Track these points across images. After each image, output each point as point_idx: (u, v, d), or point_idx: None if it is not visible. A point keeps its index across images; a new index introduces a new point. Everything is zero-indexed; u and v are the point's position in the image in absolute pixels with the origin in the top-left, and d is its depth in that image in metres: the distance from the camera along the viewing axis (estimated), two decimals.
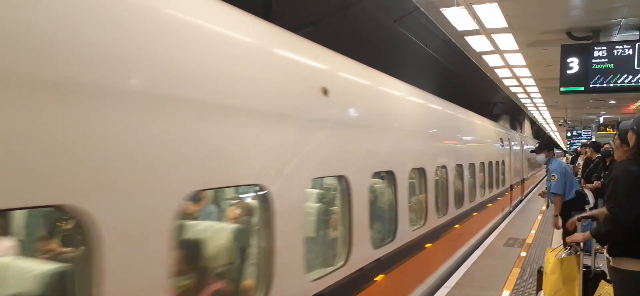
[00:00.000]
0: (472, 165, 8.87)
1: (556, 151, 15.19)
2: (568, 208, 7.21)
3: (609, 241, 3.34)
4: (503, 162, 13.06)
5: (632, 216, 3.14)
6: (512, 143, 15.59)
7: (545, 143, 8.44)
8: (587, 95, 16.66)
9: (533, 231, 11.58)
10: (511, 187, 14.88)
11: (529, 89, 17.31)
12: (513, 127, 24.81)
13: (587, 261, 4.32)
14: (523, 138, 21.23)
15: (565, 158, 27.03)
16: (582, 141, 28.85)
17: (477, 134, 10.18)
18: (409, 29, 10.24)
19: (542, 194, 8.32)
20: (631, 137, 3.35)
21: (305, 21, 11.31)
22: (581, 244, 3.91)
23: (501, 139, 13.21)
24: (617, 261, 3.32)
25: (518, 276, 7.48)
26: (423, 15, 8.34)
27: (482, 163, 9.94)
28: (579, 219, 4.36)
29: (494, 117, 20.08)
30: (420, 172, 6.01)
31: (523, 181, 18.62)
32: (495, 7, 7.39)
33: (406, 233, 5.21)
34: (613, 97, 18.85)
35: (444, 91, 12.20)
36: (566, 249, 3.98)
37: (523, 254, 9.06)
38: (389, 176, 4.85)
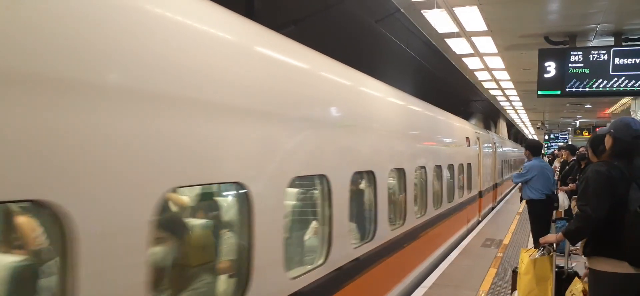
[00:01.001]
0: (421, 170, 7.02)
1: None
2: (538, 209, 7.36)
3: (580, 238, 3.41)
4: (470, 165, 11.29)
5: (601, 212, 3.22)
6: (483, 144, 13.75)
7: (529, 145, 8.62)
8: (564, 99, 16.98)
9: (510, 233, 11.75)
10: (480, 194, 13.16)
11: (507, 92, 17.57)
12: (487, 127, 23.00)
13: (561, 261, 4.40)
14: (496, 139, 18.62)
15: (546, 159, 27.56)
16: (559, 144, 29.44)
17: (433, 130, 8.35)
18: (391, 30, 10.30)
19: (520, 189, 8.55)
20: (608, 141, 3.44)
21: (287, 20, 11.31)
22: (554, 245, 3.98)
23: (467, 139, 11.23)
24: (592, 262, 3.39)
25: (494, 276, 7.58)
26: (404, 16, 8.37)
27: (439, 167, 8.08)
28: (553, 221, 4.44)
29: (465, 116, 18.25)
30: (323, 180, 3.89)
31: (496, 186, 16.99)
32: (475, 10, 7.47)
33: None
34: (589, 102, 19.24)
35: (421, 90, 12.31)
36: (539, 250, 4.05)
37: (500, 254, 9.18)
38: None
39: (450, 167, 9.20)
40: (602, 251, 3.29)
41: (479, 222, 12.84)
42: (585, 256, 3.48)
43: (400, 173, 6.10)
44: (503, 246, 10.00)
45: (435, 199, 7.92)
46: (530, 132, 42.80)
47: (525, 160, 8.60)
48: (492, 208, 16.02)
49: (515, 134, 43.35)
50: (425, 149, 7.54)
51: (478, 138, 12.85)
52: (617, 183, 3.24)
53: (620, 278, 3.22)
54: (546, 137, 35.92)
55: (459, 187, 10.23)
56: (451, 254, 9.09)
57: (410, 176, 6.27)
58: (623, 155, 3.35)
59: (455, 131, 10.22)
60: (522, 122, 32.43)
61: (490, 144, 16.02)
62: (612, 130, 3.47)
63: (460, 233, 10.42)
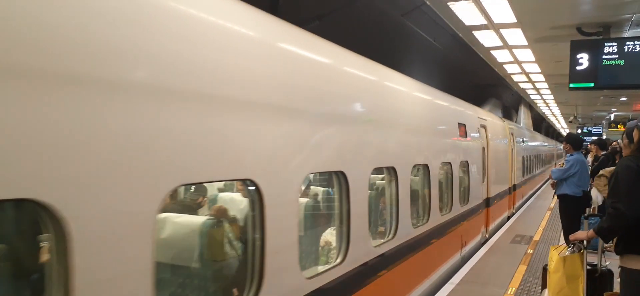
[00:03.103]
0: (391, 172, 4.89)
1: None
2: (572, 205, 7.16)
3: (613, 236, 3.31)
4: (472, 164, 8.34)
5: (634, 210, 3.11)
6: (491, 136, 10.36)
7: (570, 138, 8.37)
8: (598, 92, 16.47)
9: (541, 228, 11.50)
10: (488, 202, 9.98)
11: (538, 85, 17.12)
12: (507, 115, 18.16)
13: (594, 259, 4.27)
14: (515, 129, 15.12)
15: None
16: (593, 138, 28.58)
17: (415, 116, 5.93)
18: (417, 23, 10.18)
19: (553, 185, 8.26)
20: (636, 134, 3.34)
21: (311, 15, 11.31)
22: (585, 242, 3.87)
23: (462, 127, 7.83)
24: (623, 260, 3.29)
25: (524, 273, 7.44)
26: (431, 9, 8.25)
27: (416, 167, 5.74)
28: (585, 218, 4.31)
29: (477, 101, 13.95)
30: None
31: (513, 188, 13.71)
32: (503, 1, 7.29)
33: None
34: (624, 94, 18.62)
35: (442, 77, 11.99)
36: (569, 247, 3.93)
37: (530, 251, 9.00)
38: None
39: (446, 168, 6.83)
40: (634, 249, 3.18)
41: (485, 241, 9.81)
42: (617, 254, 3.37)
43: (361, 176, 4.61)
44: (533, 243, 9.81)
45: (414, 217, 5.60)
46: (562, 126, 41.71)
47: (565, 155, 8.37)
48: (508, 218, 12.99)
49: (547, 128, 42.30)
50: (392, 143, 4.94)
51: (484, 127, 9.69)
52: None
53: None
54: (579, 131, 34.91)
55: (458, 196, 7.25)
56: (479, 251, 8.95)
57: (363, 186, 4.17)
58: None
59: (447, 118, 7.09)
60: (554, 115, 31.61)
61: (503, 136, 12.51)
62: (639, 123, 3.38)
63: (447, 267, 7.11)
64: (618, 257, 3.44)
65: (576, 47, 8.27)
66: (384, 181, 5.29)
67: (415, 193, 6.03)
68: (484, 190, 9.73)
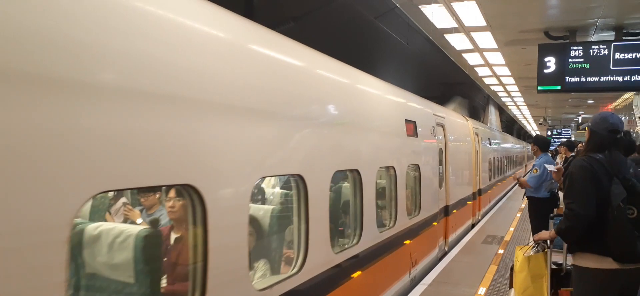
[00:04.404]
0: (298, 183, 3.67)
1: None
2: (541, 206, 7.30)
3: (571, 236, 3.37)
4: (425, 167, 7.13)
5: (590, 209, 3.18)
6: (451, 136, 9.42)
7: (537, 140, 8.50)
8: (566, 94, 16.88)
9: (511, 229, 11.71)
10: (447, 210, 8.90)
11: (509, 88, 17.48)
12: (474, 115, 17.37)
13: (559, 258, 4.36)
14: (478, 129, 13.58)
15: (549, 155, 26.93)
16: (562, 140, 29.32)
17: (340, 109, 4.57)
18: (391, 26, 10.27)
19: (515, 177, 8.40)
20: (586, 134, 3.44)
21: (286, 17, 11.29)
22: (548, 241, 3.94)
23: (412, 125, 6.62)
24: (575, 258, 3.36)
25: (495, 273, 7.55)
26: (404, 13, 8.32)
27: (341, 174, 4.87)
28: (551, 218, 4.40)
29: (443, 100, 13.89)
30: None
31: (478, 193, 12.72)
32: (473, 5, 7.41)
33: None
34: (591, 97, 19.16)
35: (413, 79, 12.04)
36: (534, 247, 4.01)
37: (500, 251, 9.14)
38: None
39: (391, 173, 5.68)
40: (586, 247, 3.25)
41: (444, 254, 8.71)
42: (569, 253, 3.45)
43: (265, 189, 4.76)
44: (504, 243, 9.97)
45: (341, 237, 4.89)
46: (533, 128, 42.66)
47: (534, 157, 8.47)
48: (472, 225, 11.90)
49: (518, 130, 43.19)
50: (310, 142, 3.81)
51: (442, 126, 8.65)
52: (601, 178, 3.21)
53: (604, 274, 3.19)
54: (549, 133, 35.78)
55: (380, 216, 5.66)
56: (452, 251, 9.06)
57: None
58: (600, 149, 3.34)
59: (370, 106, 5.46)
60: (524, 117, 32.30)
61: (466, 136, 11.55)
62: (590, 124, 3.48)
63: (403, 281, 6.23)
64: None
65: (544, 51, 8.47)
66: (284, 196, 4.42)
67: (340, 208, 5.21)
68: (443, 197, 8.63)
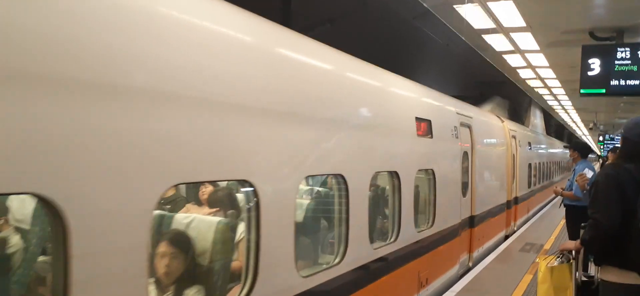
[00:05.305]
0: (250, 195, 3.05)
1: (590, 155, 10.01)
2: (578, 214, 6.96)
3: (595, 248, 3.19)
4: (442, 173, 6.40)
5: (614, 220, 2.99)
6: (480, 137, 8.52)
7: (577, 145, 8.12)
8: (617, 98, 16.05)
9: (553, 236, 11.25)
10: (472, 221, 8.03)
11: (555, 91, 16.77)
12: (514, 117, 16.02)
13: (592, 271, 4.14)
14: (516, 131, 12.53)
15: (599, 162, 25.47)
16: (615, 145, 27.91)
17: (323, 104, 3.91)
18: (428, 26, 10.09)
19: (556, 192, 7.99)
20: (621, 142, 3.23)
21: (323, 19, 11.31)
22: (573, 252, 3.74)
23: (425, 125, 5.93)
24: (601, 272, 3.17)
25: (529, 283, 7.27)
26: (442, 13, 8.13)
27: (315, 181, 4.89)
28: (583, 227, 4.17)
29: (480, 101, 13.28)
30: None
31: (515, 202, 11.82)
32: (510, 4, 7.15)
33: None
34: None
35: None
36: (558, 257, 3.81)
37: (538, 260, 8.78)
38: None
39: (337, 183, 4.12)
40: (611, 260, 3.06)
41: (469, 269, 7.98)
42: (595, 265, 3.26)
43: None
44: (543, 251, 9.60)
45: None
46: (583, 133, 40.89)
47: (572, 163, 8.08)
48: (506, 237, 11.05)
49: (569, 135, 41.51)
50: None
51: (468, 127, 7.87)
52: (627, 188, 3.00)
53: (628, 290, 3.01)
54: (600, 138, 34.19)
55: (378, 229, 5.20)
56: (487, 258, 8.79)
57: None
58: (634, 157, 3.11)
59: (365, 100, 4.66)
60: (574, 122, 30.98)
61: (502, 138, 10.60)
62: (623, 130, 3.25)
63: None
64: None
65: (588, 52, 8.07)
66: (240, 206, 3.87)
67: (320, 219, 4.70)
68: (467, 206, 7.76)
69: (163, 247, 3.06)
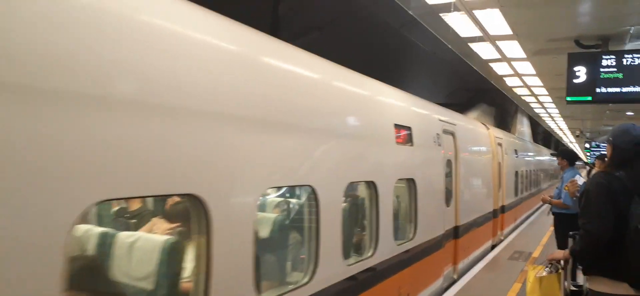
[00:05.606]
0: (193, 210, 2.73)
1: (577, 162, 10.09)
2: (569, 223, 6.94)
3: (586, 258, 3.12)
4: (423, 182, 6.08)
5: (605, 231, 2.93)
6: (464, 145, 8.36)
7: (564, 152, 8.12)
8: (603, 106, 16.20)
9: (541, 245, 11.25)
10: (457, 232, 7.77)
11: (541, 99, 16.90)
12: (502, 125, 16.07)
13: (581, 280, 4.09)
14: (502, 139, 12.32)
15: (585, 170, 25.64)
16: (602, 153, 28.18)
17: (289, 109, 3.58)
18: (414, 34, 10.10)
19: (544, 200, 7.98)
20: (608, 150, 3.18)
21: (312, 26, 11.27)
22: (562, 262, 3.69)
23: (405, 132, 5.74)
24: (591, 282, 3.11)
25: (518, 292, 7.22)
26: (428, 21, 8.13)
27: (281, 194, 5.01)
28: (571, 235, 4.13)
29: (466, 107, 13.38)
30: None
31: (501, 210, 11.63)
32: (497, 12, 7.16)
33: None
34: (630, 108, 18.34)
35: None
36: (547, 267, 3.76)
37: (526, 269, 8.76)
38: None
39: (307, 196, 4.04)
40: (601, 270, 3.00)
41: (454, 281, 7.67)
42: (584, 275, 3.20)
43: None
44: (532, 259, 9.58)
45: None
46: (570, 141, 41.29)
47: (560, 171, 8.08)
48: (493, 246, 10.78)
49: (556, 142, 41.87)
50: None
51: (452, 134, 7.69)
52: (618, 197, 2.95)
53: None
54: (587, 145, 34.54)
55: (351, 244, 4.88)
56: (475, 267, 8.73)
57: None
58: (623, 165, 3.06)
59: (337, 105, 4.36)
60: (561, 130, 31.26)
61: (488, 146, 10.47)
62: (611, 137, 3.20)
63: None
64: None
65: (573, 60, 8.12)
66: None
67: (288, 235, 4.48)
68: (451, 216, 7.51)
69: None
